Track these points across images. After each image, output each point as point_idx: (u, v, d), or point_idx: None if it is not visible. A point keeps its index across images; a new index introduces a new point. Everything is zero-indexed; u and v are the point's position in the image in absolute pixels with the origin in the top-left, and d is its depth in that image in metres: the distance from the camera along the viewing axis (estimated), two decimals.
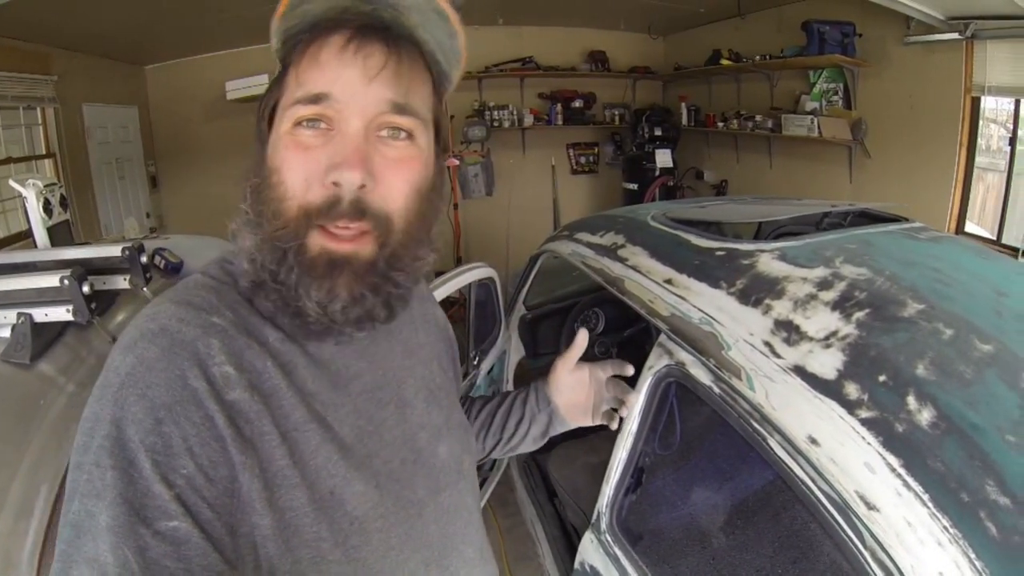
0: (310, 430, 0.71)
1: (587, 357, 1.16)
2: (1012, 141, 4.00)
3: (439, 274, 2.25)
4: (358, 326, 0.74)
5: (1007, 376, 1.09)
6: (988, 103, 4.09)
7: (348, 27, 0.70)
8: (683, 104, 6.73)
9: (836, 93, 4.96)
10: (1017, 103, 3.95)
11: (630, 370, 1.19)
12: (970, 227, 4.28)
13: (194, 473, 0.61)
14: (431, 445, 0.86)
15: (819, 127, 4.89)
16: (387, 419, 0.81)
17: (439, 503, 0.84)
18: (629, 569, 1.42)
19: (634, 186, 6.58)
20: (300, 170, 0.69)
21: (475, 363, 2.44)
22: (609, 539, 1.50)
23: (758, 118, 5.58)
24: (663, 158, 6.39)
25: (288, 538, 0.66)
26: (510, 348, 2.90)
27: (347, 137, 0.69)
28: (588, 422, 1.20)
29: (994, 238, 4.11)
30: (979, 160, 4.17)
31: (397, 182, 0.71)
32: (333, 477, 0.71)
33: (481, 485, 2.69)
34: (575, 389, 1.18)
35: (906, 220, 1.91)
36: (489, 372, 2.63)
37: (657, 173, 6.41)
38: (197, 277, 0.77)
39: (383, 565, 0.74)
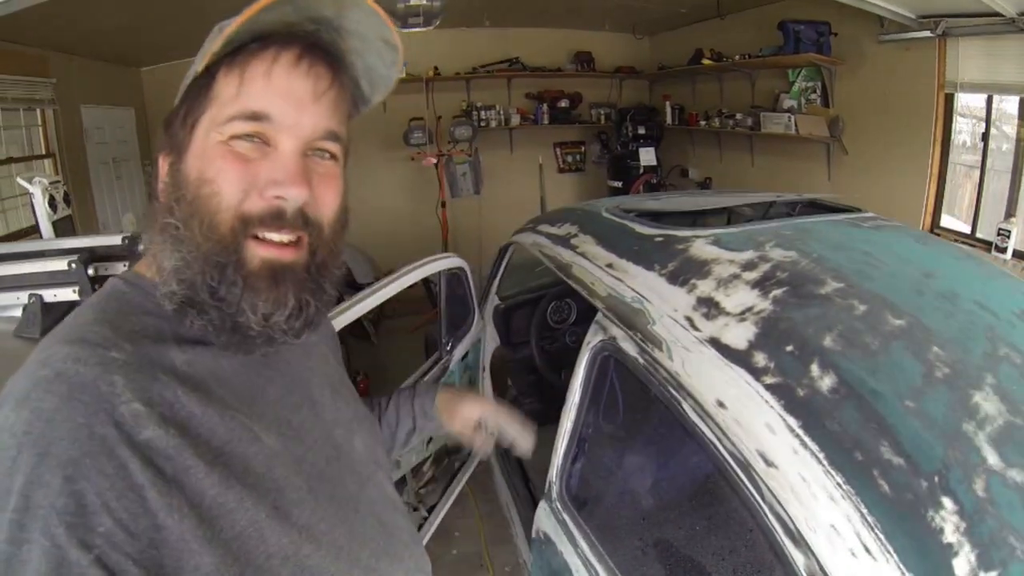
0: (234, 450, 0.68)
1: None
2: (985, 137, 4.03)
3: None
4: (298, 334, 0.74)
5: (914, 347, 1.16)
6: (975, 100, 4.11)
7: (297, 43, 0.71)
8: (667, 103, 6.79)
9: (814, 91, 5.01)
10: (989, 99, 3.98)
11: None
12: (949, 221, 4.31)
13: (113, 530, 0.57)
14: (348, 440, 0.87)
15: (796, 125, 4.96)
16: (304, 421, 0.81)
17: (367, 495, 0.85)
18: (575, 533, 1.51)
19: (619, 184, 6.67)
20: (237, 181, 0.69)
21: (448, 349, 2.53)
22: (559, 506, 1.59)
23: (739, 116, 5.64)
24: (647, 156, 6.48)
25: (241, 569, 0.64)
26: (485, 336, 2.98)
27: (285, 155, 0.70)
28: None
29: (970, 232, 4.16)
30: (964, 157, 4.19)
31: (328, 197, 0.75)
32: (269, 492, 0.69)
33: (458, 471, 2.78)
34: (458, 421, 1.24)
35: (857, 211, 1.96)
36: (464, 358, 2.72)
37: (641, 171, 6.50)
38: (84, 311, 0.72)
39: (338, 567, 0.74)
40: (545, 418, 3.12)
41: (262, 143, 0.70)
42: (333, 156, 0.76)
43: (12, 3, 2.90)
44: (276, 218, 0.70)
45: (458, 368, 2.66)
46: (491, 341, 3.03)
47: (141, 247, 0.77)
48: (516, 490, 2.61)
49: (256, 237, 0.70)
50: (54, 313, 1.43)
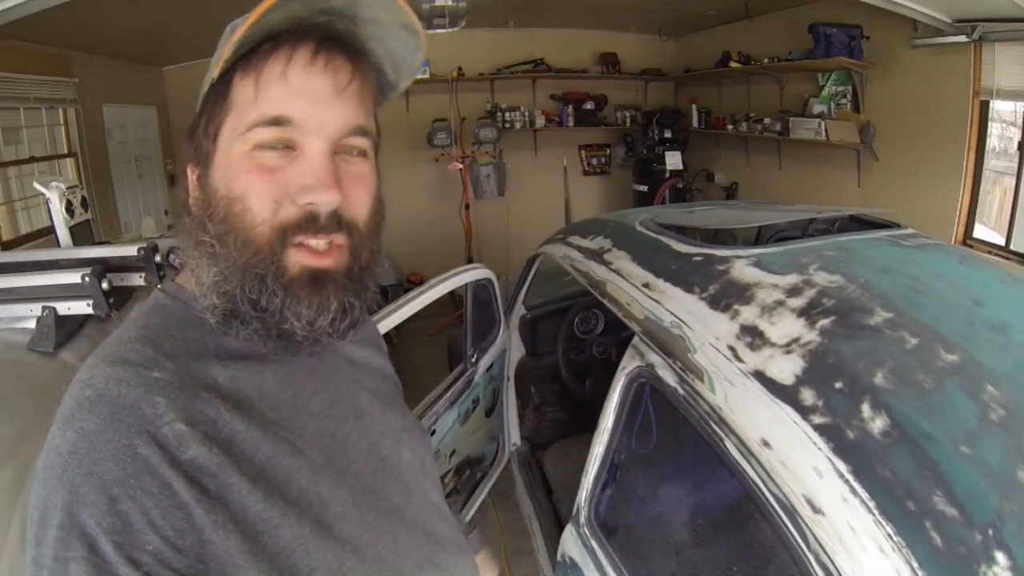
0: (277, 465, 0.68)
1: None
2: (1021, 146, 3.91)
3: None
4: (343, 336, 0.73)
5: (968, 386, 1.10)
6: (1008, 105, 4.00)
7: (311, 39, 0.68)
8: (693, 106, 6.72)
9: (845, 96, 4.92)
10: None
11: None
12: (983, 232, 4.21)
13: (160, 547, 0.58)
14: (395, 451, 0.86)
15: (826, 130, 4.86)
16: (349, 434, 0.80)
17: (413, 505, 0.84)
18: (603, 561, 1.47)
19: (644, 188, 6.61)
20: (267, 194, 0.67)
21: (473, 361, 2.51)
22: (587, 532, 1.55)
23: (766, 121, 5.55)
24: (673, 160, 6.39)
25: None
26: (510, 347, 2.95)
27: (313, 159, 0.68)
28: None
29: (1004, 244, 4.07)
30: (994, 162, 4.10)
31: (360, 196, 0.73)
32: (312, 506, 0.69)
33: (481, 480, 2.76)
34: None
35: (897, 226, 1.90)
36: (488, 369, 2.69)
37: (667, 175, 6.43)
38: (127, 327, 0.72)
39: None
40: (568, 428, 3.14)
41: (287, 149, 0.68)
42: (362, 152, 0.74)
43: (35, 3, 2.90)
44: (311, 222, 0.68)
45: (483, 380, 2.63)
46: (516, 351, 2.99)
47: (177, 261, 0.78)
48: (539, 503, 2.58)
49: (296, 244, 0.69)
50: (68, 326, 1.42)
